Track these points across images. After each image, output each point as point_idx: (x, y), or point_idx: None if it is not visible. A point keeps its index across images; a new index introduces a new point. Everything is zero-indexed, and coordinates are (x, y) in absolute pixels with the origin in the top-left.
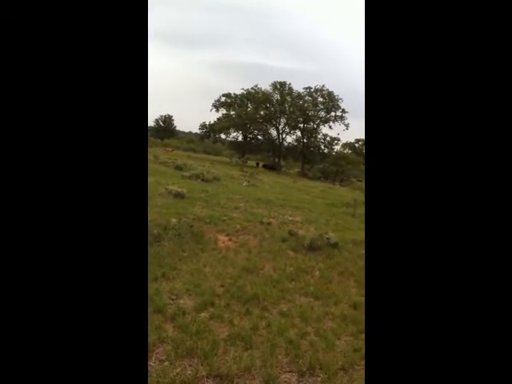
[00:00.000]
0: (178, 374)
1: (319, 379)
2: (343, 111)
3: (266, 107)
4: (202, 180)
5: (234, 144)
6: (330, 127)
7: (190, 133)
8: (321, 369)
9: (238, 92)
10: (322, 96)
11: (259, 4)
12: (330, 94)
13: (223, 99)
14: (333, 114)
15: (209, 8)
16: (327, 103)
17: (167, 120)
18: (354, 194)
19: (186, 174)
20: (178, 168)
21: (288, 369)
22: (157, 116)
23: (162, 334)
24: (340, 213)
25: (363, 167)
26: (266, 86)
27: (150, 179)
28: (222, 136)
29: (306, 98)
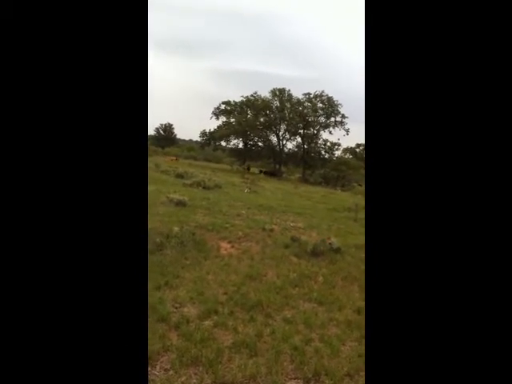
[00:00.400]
0: (183, 382)
1: None
2: (343, 116)
3: (266, 114)
4: (204, 188)
5: (235, 151)
6: (330, 132)
7: (191, 141)
8: (326, 375)
9: (238, 99)
10: (322, 102)
11: (258, 10)
12: (330, 99)
13: (223, 107)
14: (332, 119)
15: (206, 14)
16: (327, 109)
17: (167, 128)
18: (355, 199)
19: (187, 181)
20: (179, 176)
21: (293, 376)
22: (157, 125)
23: (166, 343)
24: (342, 218)
25: (364, 172)
26: (265, 93)
27: (151, 188)
28: (223, 143)
29: (306, 104)
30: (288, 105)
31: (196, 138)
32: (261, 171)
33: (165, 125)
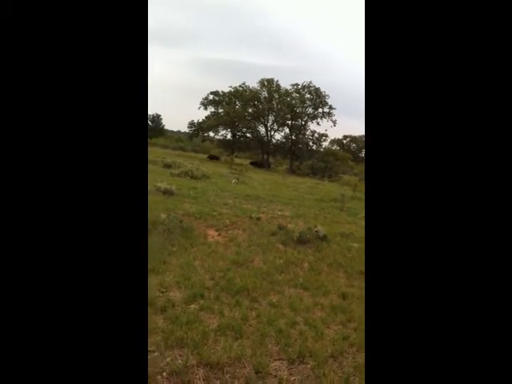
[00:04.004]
0: (168, 363)
1: (309, 366)
2: (330, 107)
3: (254, 105)
4: (191, 177)
5: (223, 142)
6: (318, 124)
7: (179, 132)
8: (310, 356)
9: (226, 90)
10: (310, 92)
11: (240, 3)
12: (317, 90)
13: (211, 97)
14: (320, 110)
15: (187, 7)
16: (314, 100)
17: (155, 119)
18: (342, 190)
19: (175, 171)
20: (167, 166)
21: (278, 357)
22: None
23: (151, 325)
24: (328, 207)
25: (351, 163)
26: (253, 83)
27: None
28: (211, 134)
29: (294, 94)
30: (276, 95)
31: (184, 129)
32: (251, 162)
33: (153, 115)
